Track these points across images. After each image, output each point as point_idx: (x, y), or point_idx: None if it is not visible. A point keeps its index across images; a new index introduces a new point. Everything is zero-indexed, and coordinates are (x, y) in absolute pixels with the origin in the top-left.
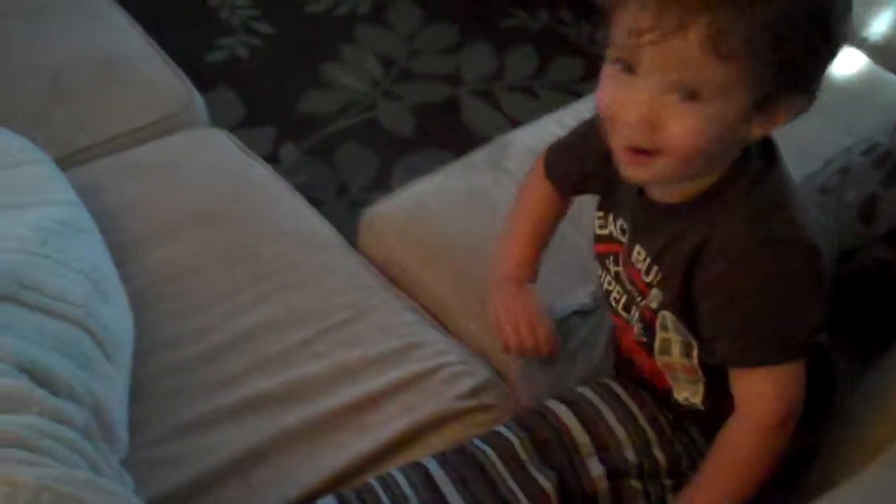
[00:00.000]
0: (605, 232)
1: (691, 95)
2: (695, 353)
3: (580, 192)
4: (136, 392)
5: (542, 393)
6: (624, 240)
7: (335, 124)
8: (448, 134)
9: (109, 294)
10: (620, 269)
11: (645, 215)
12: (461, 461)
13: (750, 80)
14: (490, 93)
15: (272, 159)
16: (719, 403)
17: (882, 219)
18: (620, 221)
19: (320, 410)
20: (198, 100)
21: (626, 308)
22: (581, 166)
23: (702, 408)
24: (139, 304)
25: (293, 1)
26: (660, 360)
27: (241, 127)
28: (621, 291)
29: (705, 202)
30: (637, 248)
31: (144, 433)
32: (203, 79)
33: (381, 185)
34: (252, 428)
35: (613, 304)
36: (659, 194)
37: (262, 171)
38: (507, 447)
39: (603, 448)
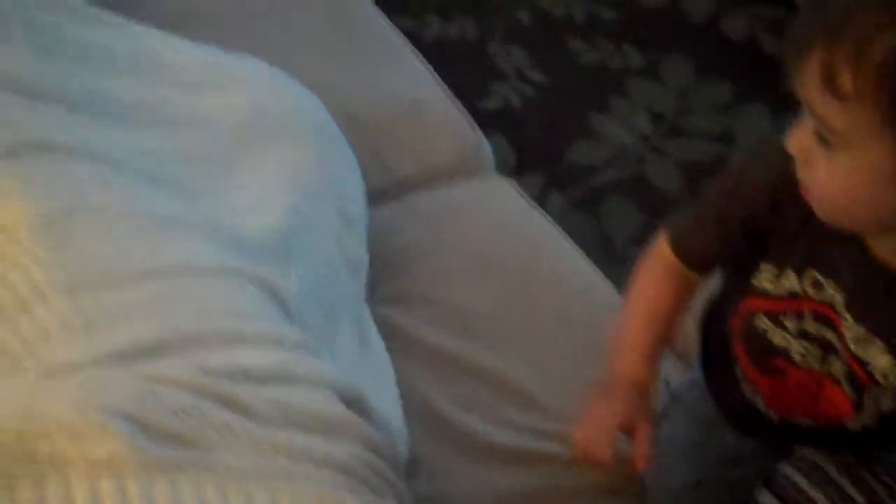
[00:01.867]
0: (781, 291)
1: (824, 141)
2: None
3: (717, 262)
4: None
5: None
6: (819, 298)
7: (602, 176)
8: None
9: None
10: (809, 327)
11: (867, 281)
12: None
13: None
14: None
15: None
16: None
17: None
18: (815, 276)
19: None
20: (486, 147)
21: (822, 362)
22: (727, 231)
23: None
24: (420, 343)
25: (568, 51)
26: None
27: (510, 173)
28: (810, 348)
29: None
30: (848, 318)
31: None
32: (477, 124)
33: (645, 240)
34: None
35: (797, 358)
36: (886, 253)
37: (546, 225)
38: None
39: None
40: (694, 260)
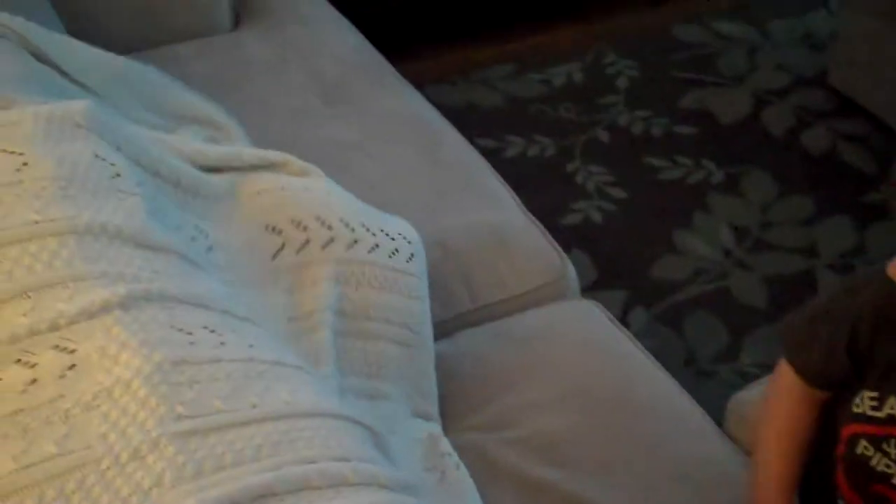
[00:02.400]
0: (881, 414)
1: None
2: None
3: (840, 384)
4: None
5: None
6: None
7: (685, 291)
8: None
9: None
10: None
11: None
12: None
13: None
14: (849, 268)
15: (621, 322)
16: None
17: None
18: None
19: None
20: (571, 271)
21: None
22: (835, 354)
23: None
24: (510, 471)
25: (648, 168)
26: None
27: (592, 289)
28: None
29: None
30: None
31: None
32: (557, 241)
33: (731, 357)
34: None
35: None
36: None
37: (633, 349)
38: None
39: None
40: (816, 376)
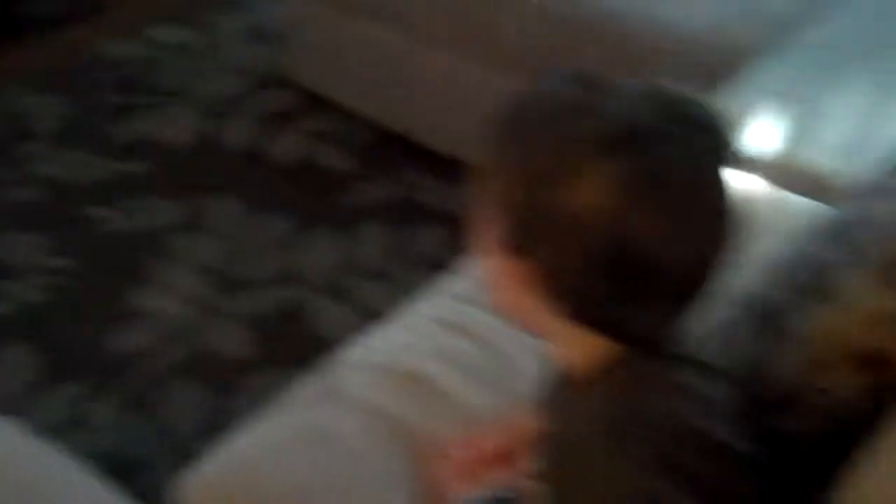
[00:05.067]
0: None
1: None
2: None
3: None
4: None
5: None
6: None
7: (155, 363)
8: (294, 347)
9: None
10: None
11: None
12: None
13: None
14: (345, 289)
15: (83, 423)
16: None
17: None
18: None
19: None
20: None
21: None
22: None
23: None
24: None
25: (90, 222)
26: None
27: (42, 389)
28: None
29: None
30: None
31: None
32: None
33: (223, 424)
34: None
35: None
36: None
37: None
38: None
39: None
40: None
